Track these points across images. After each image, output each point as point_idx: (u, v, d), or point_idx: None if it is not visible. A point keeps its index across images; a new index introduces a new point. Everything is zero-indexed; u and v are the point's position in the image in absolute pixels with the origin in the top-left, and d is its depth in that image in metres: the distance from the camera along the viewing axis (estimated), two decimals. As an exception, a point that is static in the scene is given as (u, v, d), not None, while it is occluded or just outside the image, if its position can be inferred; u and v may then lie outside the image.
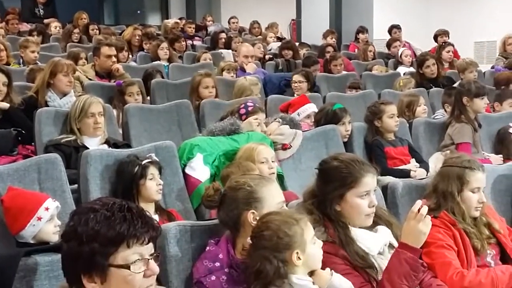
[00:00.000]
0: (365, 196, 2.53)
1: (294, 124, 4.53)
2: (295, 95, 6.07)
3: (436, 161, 4.58)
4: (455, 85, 6.33)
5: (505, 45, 7.63)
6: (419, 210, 2.40)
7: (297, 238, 2.20)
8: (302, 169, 4.28)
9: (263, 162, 3.52)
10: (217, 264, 2.38)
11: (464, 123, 4.69)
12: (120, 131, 4.86)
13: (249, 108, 4.34)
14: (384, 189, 3.19)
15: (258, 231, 2.24)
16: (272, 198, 2.44)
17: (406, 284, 2.37)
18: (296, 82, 6.26)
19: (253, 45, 7.86)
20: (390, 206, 3.13)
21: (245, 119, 4.23)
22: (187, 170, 3.79)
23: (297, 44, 9.44)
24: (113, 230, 1.79)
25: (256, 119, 4.23)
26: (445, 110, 5.44)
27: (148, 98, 5.89)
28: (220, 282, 2.34)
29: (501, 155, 4.73)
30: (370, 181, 2.54)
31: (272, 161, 3.56)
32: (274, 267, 2.16)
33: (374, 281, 2.44)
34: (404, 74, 7.32)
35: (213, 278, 2.35)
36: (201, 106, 5.27)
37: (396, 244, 2.57)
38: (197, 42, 10.45)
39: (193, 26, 11.18)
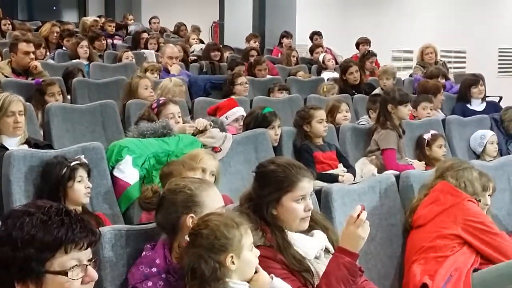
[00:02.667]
0: (301, 200, 2.53)
1: (223, 128, 4.49)
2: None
3: (362, 166, 4.67)
4: (375, 91, 6.52)
5: (423, 55, 7.90)
6: (358, 215, 2.41)
7: (234, 242, 2.16)
8: (232, 173, 4.25)
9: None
10: (154, 269, 2.30)
11: (389, 130, 4.80)
12: (41, 131, 4.66)
13: (161, 101, 4.33)
14: (317, 193, 3.20)
15: (197, 228, 2.19)
16: (212, 203, 2.39)
17: None
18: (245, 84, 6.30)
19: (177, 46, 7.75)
20: (324, 210, 3.14)
21: (157, 112, 4.20)
22: (115, 173, 3.69)
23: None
24: (50, 234, 1.71)
25: (172, 113, 4.23)
26: (369, 116, 5.56)
27: (68, 97, 5.69)
28: (157, 288, 2.26)
29: (423, 162, 4.86)
30: (306, 185, 2.55)
31: (212, 174, 3.44)
32: (210, 267, 2.12)
33: (310, 285, 2.44)
34: (328, 79, 7.43)
35: (150, 284, 2.28)
36: (126, 107, 5.14)
37: (331, 249, 2.59)
38: (118, 41, 10.26)
39: (113, 24, 10.98)
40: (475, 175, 3.39)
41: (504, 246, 3.19)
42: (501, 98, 6.99)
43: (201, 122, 4.24)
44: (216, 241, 2.14)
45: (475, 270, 3.13)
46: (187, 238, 2.22)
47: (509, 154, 4.96)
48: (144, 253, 2.37)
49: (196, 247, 2.15)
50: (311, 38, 10.25)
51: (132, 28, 11.44)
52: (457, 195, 3.25)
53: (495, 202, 3.82)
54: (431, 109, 5.71)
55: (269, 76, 7.59)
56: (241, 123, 4.95)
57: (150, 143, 3.83)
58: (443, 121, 5.49)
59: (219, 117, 4.94)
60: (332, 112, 5.36)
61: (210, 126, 4.26)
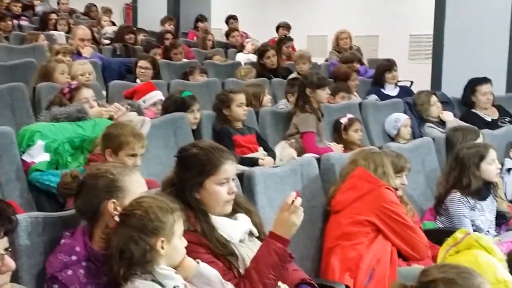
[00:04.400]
0: (224, 183, 2.50)
1: (141, 112, 4.37)
2: (138, 81, 5.87)
3: (281, 150, 4.68)
4: (292, 76, 6.56)
5: (338, 40, 8.02)
6: (293, 201, 2.40)
7: (167, 227, 2.12)
8: (150, 158, 4.13)
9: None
10: (74, 257, 2.21)
11: (308, 113, 4.83)
12: None
13: (73, 86, 4.21)
14: (239, 177, 3.17)
15: (130, 209, 2.13)
16: (135, 188, 2.31)
17: (272, 274, 2.37)
18: (142, 68, 6.05)
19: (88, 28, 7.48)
20: (247, 194, 3.13)
21: (69, 97, 4.08)
22: (24, 157, 3.55)
23: (133, 29, 9.18)
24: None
25: (86, 97, 4.11)
26: (288, 100, 5.58)
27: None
28: (78, 277, 2.17)
29: (341, 145, 4.93)
30: (229, 168, 2.52)
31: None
32: (140, 249, 2.06)
33: (235, 269, 2.42)
34: (244, 63, 7.41)
35: (70, 272, 2.18)
36: (37, 90, 4.91)
37: (256, 232, 2.57)
38: (24, 22, 9.80)
39: (20, 5, 10.48)
40: (386, 159, 3.44)
41: (414, 241, 3.21)
42: (412, 82, 7.19)
43: (117, 106, 4.11)
44: (149, 223, 2.09)
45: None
46: (117, 218, 2.15)
47: (422, 136, 5.10)
48: (62, 240, 2.26)
49: (127, 227, 2.09)
50: (226, 22, 10.19)
51: (39, 8, 10.96)
52: (374, 182, 3.28)
53: (411, 183, 3.92)
54: (349, 99, 5.81)
55: (185, 60, 7.48)
56: (159, 107, 4.84)
57: (64, 127, 3.68)
58: (360, 105, 5.58)
59: (136, 100, 4.81)
60: (257, 96, 5.35)
61: (127, 110, 4.13)
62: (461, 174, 3.74)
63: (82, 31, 7.00)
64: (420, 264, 3.11)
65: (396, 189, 3.44)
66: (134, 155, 3.28)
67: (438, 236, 3.40)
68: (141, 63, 6.12)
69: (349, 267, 3.10)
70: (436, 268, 2.12)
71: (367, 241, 3.17)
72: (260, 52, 7.19)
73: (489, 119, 5.74)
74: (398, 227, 3.21)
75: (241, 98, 4.63)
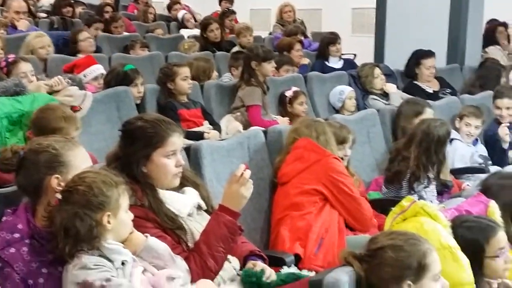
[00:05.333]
0: (171, 155, 2.45)
1: (82, 86, 4.25)
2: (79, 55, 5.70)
3: (227, 123, 4.65)
4: (234, 49, 6.50)
5: (282, 13, 7.99)
6: (242, 174, 2.37)
7: (112, 201, 2.07)
8: (92, 133, 4.06)
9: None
10: (16, 235, 2.12)
11: (254, 86, 4.79)
12: None
13: (10, 59, 4.09)
14: (186, 150, 3.13)
15: (73, 185, 2.06)
16: (79, 162, 2.23)
17: (222, 246, 2.36)
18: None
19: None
20: (194, 167, 3.08)
21: (6, 72, 3.98)
22: (-44, 134, 3.38)
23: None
24: None
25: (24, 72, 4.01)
26: (232, 74, 5.53)
27: None
28: (21, 255, 2.09)
29: (287, 118, 4.93)
30: (176, 140, 2.47)
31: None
32: (86, 225, 2.01)
33: (184, 243, 2.39)
34: (188, 37, 7.30)
35: (12, 250, 2.09)
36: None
37: (204, 205, 2.54)
38: (-45, -5, 9.35)
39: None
40: (328, 128, 3.44)
41: (358, 212, 3.25)
42: (355, 55, 7.24)
43: (59, 79, 3.98)
44: (93, 198, 2.03)
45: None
46: (58, 196, 2.07)
47: (366, 108, 5.14)
48: (4, 218, 2.17)
49: (70, 204, 2.03)
50: (168, -5, 10.00)
51: (-29, -19, 10.48)
52: (321, 152, 3.28)
53: (356, 154, 3.96)
54: (293, 71, 5.80)
55: (125, 33, 7.30)
56: (101, 82, 4.72)
57: (1, 102, 3.53)
58: (305, 78, 5.58)
59: (77, 74, 4.67)
60: (206, 71, 5.29)
61: (68, 84, 4.01)
62: (428, 152, 3.71)
63: (17, 3, 6.72)
64: (367, 234, 3.15)
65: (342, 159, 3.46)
66: None
67: (384, 206, 3.42)
68: (83, 35, 5.95)
69: (298, 237, 3.11)
70: (384, 235, 2.15)
71: (315, 210, 3.19)
72: (203, 25, 7.09)
73: (430, 90, 5.84)
74: (344, 198, 3.24)
75: (185, 71, 4.55)
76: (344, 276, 2.04)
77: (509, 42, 7.69)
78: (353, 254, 2.11)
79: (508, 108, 4.82)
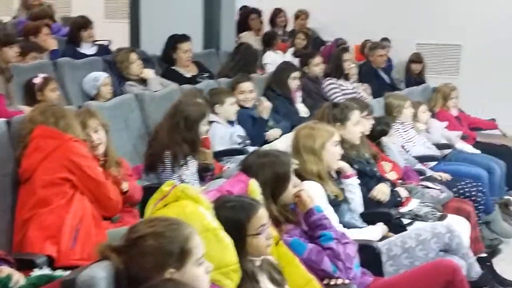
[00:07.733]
0: None
1: None
2: None
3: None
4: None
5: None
6: None
7: None
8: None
9: None
10: None
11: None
12: None
13: None
14: None
15: None
16: None
17: None
18: None
19: None
20: None
21: None
22: None
23: None
24: None
25: None
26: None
27: None
28: None
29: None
30: None
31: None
32: None
33: None
34: None
35: None
36: None
37: None
38: None
39: None
40: (68, 111, 3.25)
41: (105, 198, 3.11)
42: (110, 42, 6.95)
43: None
44: None
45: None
46: None
47: (123, 94, 4.94)
48: None
49: None
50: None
51: None
52: (59, 137, 3.05)
53: (115, 141, 3.73)
54: (41, 59, 5.35)
55: None
56: None
57: None
58: (54, 64, 5.18)
59: None
60: None
61: None
62: (177, 126, 3.71)
63: None
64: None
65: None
66: None
67: (144, 194, 3.33)
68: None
69: (50, 235, 2.87)
70: (145, 223, 1.99)
71: (65, 201, 2.96)
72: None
73: (189, 75, 5.82)
74: (89, 182, 3.07)
75: None
76: (100, 272, 1.84)
77: (261, 28, 8.05)
78: (111, 247, 1.92)
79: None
